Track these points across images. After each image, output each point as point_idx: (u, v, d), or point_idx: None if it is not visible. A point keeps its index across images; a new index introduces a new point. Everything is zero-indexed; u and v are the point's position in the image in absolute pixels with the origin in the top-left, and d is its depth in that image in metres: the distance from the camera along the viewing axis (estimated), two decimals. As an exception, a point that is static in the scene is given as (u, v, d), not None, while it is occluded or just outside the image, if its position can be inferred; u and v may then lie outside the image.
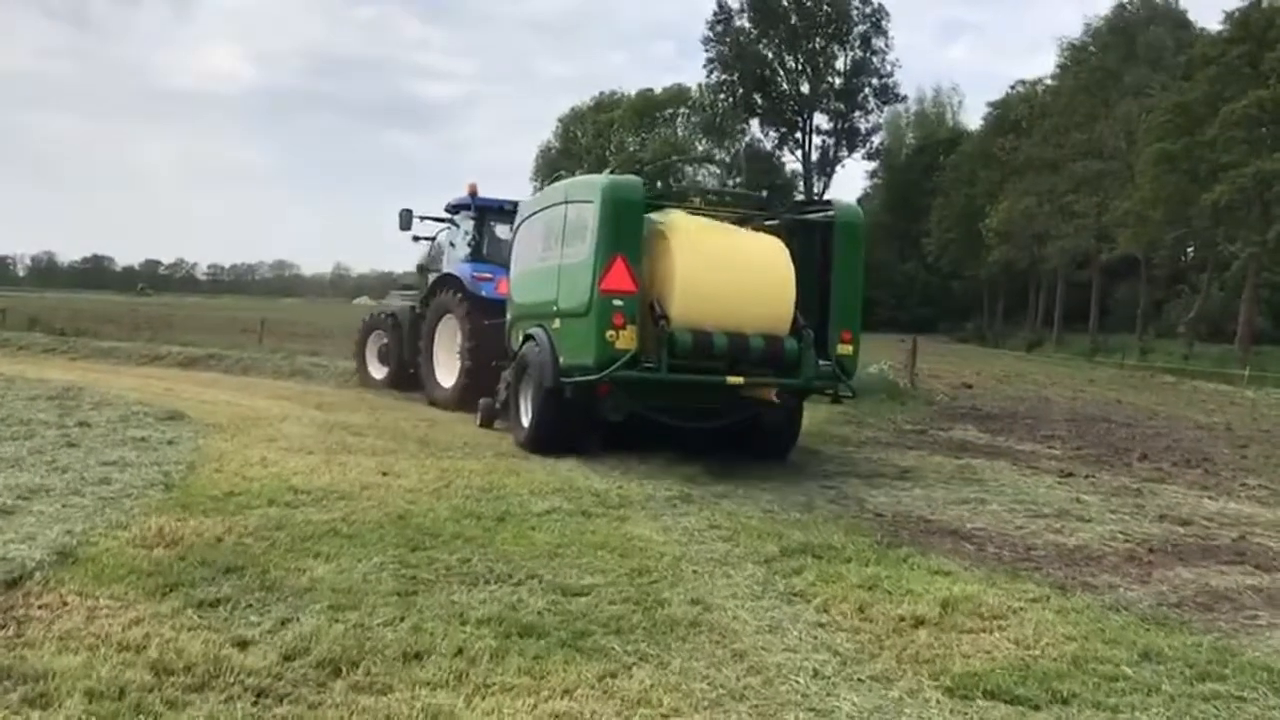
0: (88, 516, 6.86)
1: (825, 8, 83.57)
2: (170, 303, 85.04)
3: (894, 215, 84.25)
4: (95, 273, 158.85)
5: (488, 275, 14.57)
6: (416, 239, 17.00)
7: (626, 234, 9.74)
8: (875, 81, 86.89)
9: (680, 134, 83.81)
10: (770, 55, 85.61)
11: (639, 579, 5.90)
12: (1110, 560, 6.95)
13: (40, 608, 4.99)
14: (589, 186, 10.38)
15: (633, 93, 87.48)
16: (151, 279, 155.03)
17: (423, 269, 17.10)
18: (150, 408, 12.40)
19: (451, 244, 16.28)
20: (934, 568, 6.39)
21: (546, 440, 10.64)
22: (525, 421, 11.14)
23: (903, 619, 5.30)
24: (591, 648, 4.72)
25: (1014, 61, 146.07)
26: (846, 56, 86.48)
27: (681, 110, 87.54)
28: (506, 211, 15.26)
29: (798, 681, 4.42)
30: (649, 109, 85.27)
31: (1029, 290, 69.40)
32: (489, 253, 15.33)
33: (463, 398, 14.21)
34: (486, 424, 12.59)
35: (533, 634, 4.85)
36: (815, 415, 15.47)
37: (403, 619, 5.01)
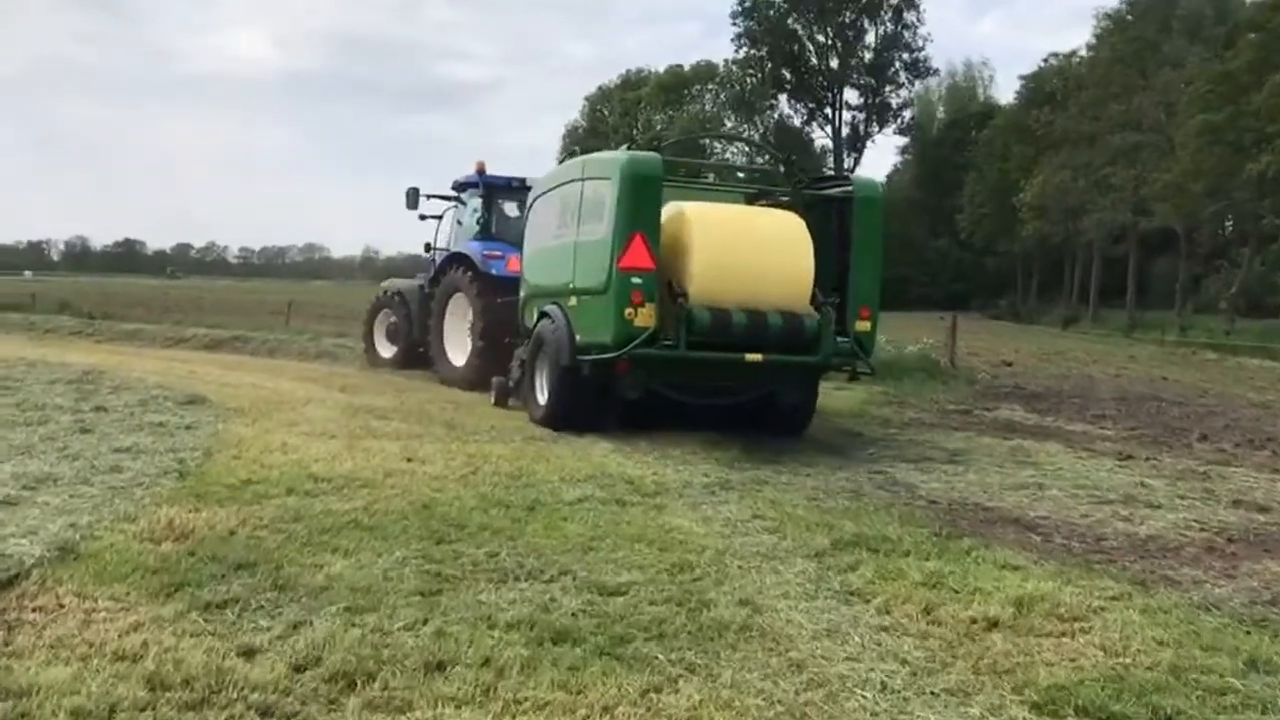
0: (95, 508, 6.49)
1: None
2: (200, 285, 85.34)
3: (925, 191, 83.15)
4: (127, 257, 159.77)
5: (498, 253, 14.51)
6: (423, 217, 16.82)
7: (645, 211, 9.65)
8: (906, 56, 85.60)
9: (708, 110, 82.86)
10: (800, 30, 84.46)
11: (680, 576, 5.44)
12: (1189, 552, 6.43)
13: (34, 610, 4.60)
14: (607, 163, 10.27)
15: (660, 70, 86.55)
16: (183, 262, 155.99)
17: (430, 247, 16.93)
18: (171, 391, 12.08)
19: (459, 222, 16.24)
20: (1000, 561, 5.88)
21: (563, 417, 10.55)
22: (541, 399, 11.03)
23: (974, 621, 4.81)
24: (632, 656, 4.26)
25: (1043, 36, 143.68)
26: (877, 30, 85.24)
27: (709, 87, 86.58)
28: (514, 189, 15.35)
29: (864, 696, 3.94)
30: (677, 86, 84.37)
31: (1064, 266, 68.21)
32: (498, 230, 15.32)
33: (474, 376, 14.12)
34: (500, 402, 12.42)
35: (567, 640, 4.40)
36: (854, 395, 15.01)
37: (425, 622, 4.58)
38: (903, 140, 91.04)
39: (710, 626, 4.63)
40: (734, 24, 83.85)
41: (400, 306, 17.13)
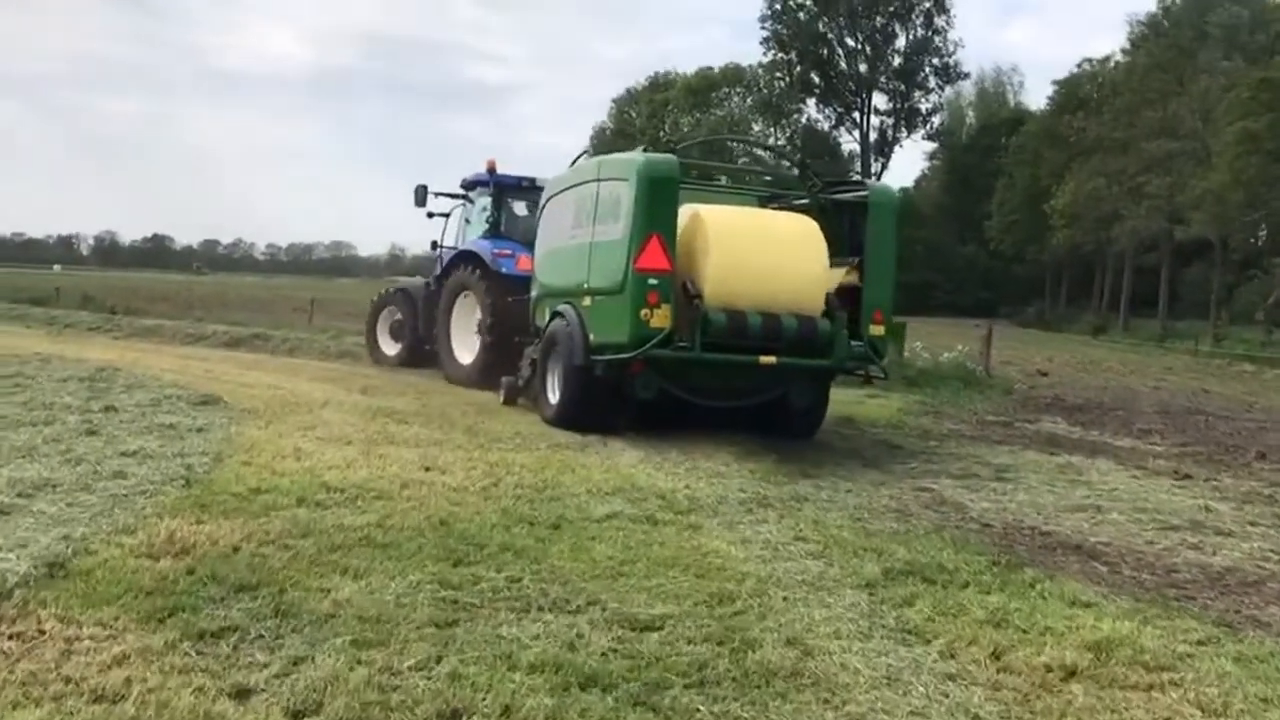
0: (93, 518, 6.08)
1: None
2: (225, 281, 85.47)
3: (954, 197, 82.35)
4: (156, 252, 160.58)
5: (508, 252, 14.49)
6: (431, 215, 16.69)
7: (662, 213, 9.70)
8: (936, 61, 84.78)
9: (736, 114, 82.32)
10: (829, 34, 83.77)
11: (720, 608, 4.96)
12: (1272, 588, 5.90)
13: (11, 638, 4.17)
14: (623, 165, 10.28)
15: (689, 72, 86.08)
16: (210, 259, 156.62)
17: (437, 245, 16.80)
18: (185, 390, 11.70)
19: (467, 220, 16.23)
20: (1069, 596, 5.38)
21: (575, 417, 10.53)
22: (553, 398, 11.00)
23: (1049, 669, 4.31)
24: (670, 707, 3.79)
25: (1072, 44, 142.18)
26: (908, 35, 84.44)
27: (737, 90, 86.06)
28: (524, 188, 15.37)
29: (936, 762, 3.46)
30: (704, 88, 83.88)
31: (1094, 274, 67.32)
32: (506, 229, 15.25)
33: (482, 375, 14.06)
34: (510, 401, 12.35)
35: (596, 685, 3.94)
36: (890, 404, 14.52)
37: (439, 660, 4.12)
38: (931, 146, 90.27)
39: (756, 672, 4.14)
40: (762, 27, 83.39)
41: (405, 304, 17.08)
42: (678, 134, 73.66)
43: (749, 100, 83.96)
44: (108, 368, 13.42)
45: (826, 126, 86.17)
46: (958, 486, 8.73)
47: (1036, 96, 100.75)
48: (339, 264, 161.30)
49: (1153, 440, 12.80)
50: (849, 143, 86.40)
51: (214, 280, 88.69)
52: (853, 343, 10.04)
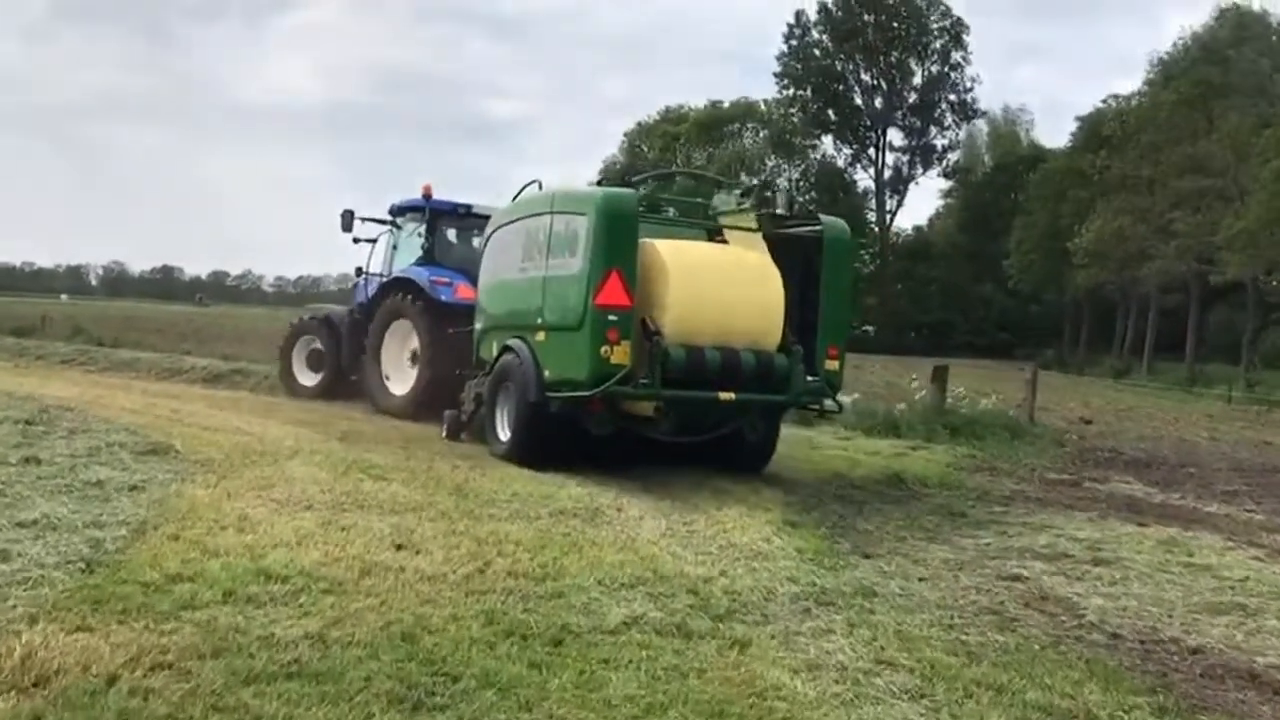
0: (-69, 628, 4.48)
1: (904, 21, 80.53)
2: (228, 313, 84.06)
3: (970, 235, 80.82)
4: (164, 282, 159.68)
5: (445, 279, 14.03)
6: (357, 240, 15.97)
7: (621, 247, 9.58)
8: (953, 97, 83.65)
9: (749, 148, 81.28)
10: (845, 70, 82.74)
11: (800, 802, 3.34)
12: None
13: None
14: (580, 199, 10.22)
15: (700, 106, 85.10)
16: (218, 290, 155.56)
17: (360, 271, 16.21)
18: (134, 437, 10.11)
19: (394, 246, 15.65)
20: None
21: (528, 454, 10.30)
22: (503, 435, 10.86)
23: None
24: None
25: (1086, 83, 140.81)
26: (924, 71, 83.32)
27: (749, 125, 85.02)
28: (460, 215, 15.08)
29: None
30: (716, 123, 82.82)
31: (1115, 315, 65.62)
32: (440, 256, 14.76)
33: (418, 407, 13.62)
34: (453, 436, 12.00)
35: None
36: (937, 459, 13.01)
37: None
38: (947, 184, 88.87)
39: None
40: (778, 62, 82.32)
41: (325, 333, 16.30)
42: (691, 167, 72.58)
43: (761, 135, 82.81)
44: (57, 407, 11.82)
45: (841, 163, 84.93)
46: (1053, 573, 7.09)
47: (1048, 135, 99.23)
48: (345, 296, 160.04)
49: (1246, 506, 11.16)
50: (864, 179, 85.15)
51: (216, 311, 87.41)
52: (808, 378, 10.03)
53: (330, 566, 5.89)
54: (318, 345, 16.49)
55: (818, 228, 10.60)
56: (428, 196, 14.82)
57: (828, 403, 10.52)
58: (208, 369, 19.09)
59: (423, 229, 14.94)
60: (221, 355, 22.73)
